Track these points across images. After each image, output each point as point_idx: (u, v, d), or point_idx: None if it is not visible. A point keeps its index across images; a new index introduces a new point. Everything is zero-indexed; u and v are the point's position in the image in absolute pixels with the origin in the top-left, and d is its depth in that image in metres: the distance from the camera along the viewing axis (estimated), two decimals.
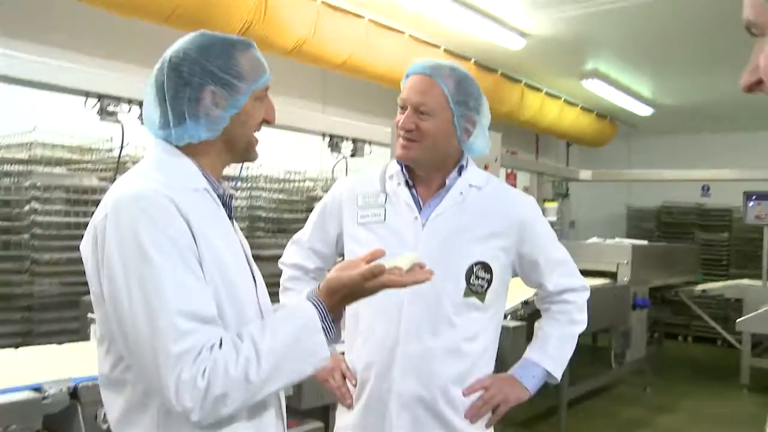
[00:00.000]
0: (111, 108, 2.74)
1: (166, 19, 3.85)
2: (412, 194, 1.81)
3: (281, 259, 2.04)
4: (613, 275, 5.70)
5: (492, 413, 1.83)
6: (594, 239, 6.43)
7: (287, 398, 2.45)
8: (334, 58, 4.93)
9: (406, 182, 1.82)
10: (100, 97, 2.69)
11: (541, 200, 6.27)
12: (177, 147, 1.34)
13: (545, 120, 7.45)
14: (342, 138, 4.44)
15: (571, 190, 10.15)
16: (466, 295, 1.75)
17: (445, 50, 5.81)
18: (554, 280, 1.88)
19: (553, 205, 6.33)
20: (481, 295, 1.76)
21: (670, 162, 8.41)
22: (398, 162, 1.83)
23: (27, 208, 3.12)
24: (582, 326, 1.92)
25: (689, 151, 8.85)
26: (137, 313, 1.17)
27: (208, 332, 1.19)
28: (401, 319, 1.74)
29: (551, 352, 1.87)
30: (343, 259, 1.85)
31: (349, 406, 1.84)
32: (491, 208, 1.81)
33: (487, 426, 1.84)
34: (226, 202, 1.41)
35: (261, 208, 4.73)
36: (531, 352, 1.90)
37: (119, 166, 3.12)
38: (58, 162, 3.32)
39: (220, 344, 1.19)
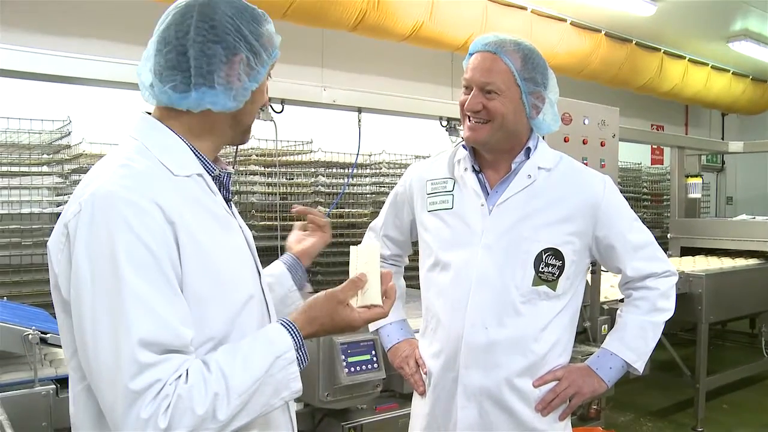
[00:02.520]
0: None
1: (283, 15, 4.02)
2: (479, 179, 1.76)
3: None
4: (764, 255, 5.22)
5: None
6: (742, 216, 5.89)
7: (388, 382, 2.50)
8: (453, 41, 4.90)
9: (473, 167, 1.77)
10: None
11: (683, 176, 5.81)
12: (161, 122, 1.19)
13: (690, 89, 6.93)
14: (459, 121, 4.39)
15: (730, 164, 9.35)
16: (535, 283, 1.69)
17: (572, 23, 5.59)
18: (633, 264, 1.77)
19: (696, 181, 5.83)
20: (552, 283, 1.69)
21: None
22: (464, 146, 1.79)
23: None
24: (667, 314, 1.79)
25: None
26: (100, 336, 1.04)
27: (174, 363, 1.05)
28: (467, 309, 1.71)
29: (630, 342, 1.77)
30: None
31: (422, 394, 1.84)
32: (562, 190, 1.73)
33: (561, 419, 1.76)
34: (224, 183, 1.28)
35: (384, 194, 4.82)
36: (609, 342, 1.80)
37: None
38: None
39: (187, 375, 1.06)
